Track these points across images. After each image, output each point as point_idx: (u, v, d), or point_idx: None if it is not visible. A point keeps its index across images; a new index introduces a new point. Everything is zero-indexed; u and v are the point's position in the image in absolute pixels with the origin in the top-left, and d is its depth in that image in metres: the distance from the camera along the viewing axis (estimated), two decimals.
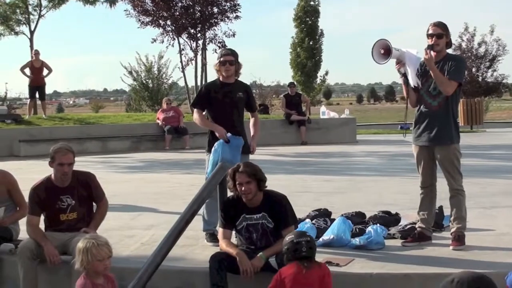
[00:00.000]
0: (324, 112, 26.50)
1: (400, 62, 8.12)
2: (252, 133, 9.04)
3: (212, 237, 8.41)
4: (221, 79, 8.83)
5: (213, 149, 8.48)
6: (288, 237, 6.25)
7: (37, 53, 25.13)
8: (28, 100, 26.47)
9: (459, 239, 7.96)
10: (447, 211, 8.76)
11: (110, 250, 6.00)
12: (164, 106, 24.25)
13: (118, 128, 24.04)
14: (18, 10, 36.37)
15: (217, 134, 8.54)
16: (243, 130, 8.91)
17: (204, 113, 8.96)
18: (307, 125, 24.26)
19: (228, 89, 8.78)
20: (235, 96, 8.80)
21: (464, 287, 3.40)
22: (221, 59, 8.72)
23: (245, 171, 7.06)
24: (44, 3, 36.37)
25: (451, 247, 7.92)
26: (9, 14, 36.98)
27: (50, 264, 7.39)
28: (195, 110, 9.06)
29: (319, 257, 7.33)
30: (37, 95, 25.21)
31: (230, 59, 8.72)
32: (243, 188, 7.01)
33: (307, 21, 59.01)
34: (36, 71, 24.53)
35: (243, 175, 7.03)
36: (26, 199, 8.04)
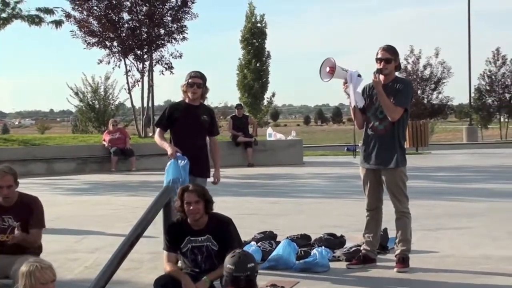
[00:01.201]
0: (271, 134, 26.55)
1: (347, 83, 8.18)
2: (214, 160, 9.05)
3: None
4: (186, 100, 8.77)
5: (165, 168, 8.42)
6: (229, 265, 6.09)
7: None
8: None
9: (403, 261, 8.01)
10: (391, 233, 8.82)
11: (54, 274, 5.89)
12: (110, 127, 24.06)
13: (64, 149, 23.77)
14: None
15: (168, 153, 8.48)
16: (206, 152, 8.90)
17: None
18: (253, 147, 24.28)
19: (193, 111, 8.73)
20: (199, 119, 8.76)
21: None
22: (189, 80, 8.66)
23: (195, 190, 7.02)
24: None
25: (395, 269, 7.98)
26: None
27: None
28: (157, 129, 9.04)
29: (264, 280, 7.34)
30: None
31: (198, 82, 8.67)
32: (191, 207, 6.94)
33: (254, 43, 59.01)
34: None
35: (192, 194, 6.97)
36: None
